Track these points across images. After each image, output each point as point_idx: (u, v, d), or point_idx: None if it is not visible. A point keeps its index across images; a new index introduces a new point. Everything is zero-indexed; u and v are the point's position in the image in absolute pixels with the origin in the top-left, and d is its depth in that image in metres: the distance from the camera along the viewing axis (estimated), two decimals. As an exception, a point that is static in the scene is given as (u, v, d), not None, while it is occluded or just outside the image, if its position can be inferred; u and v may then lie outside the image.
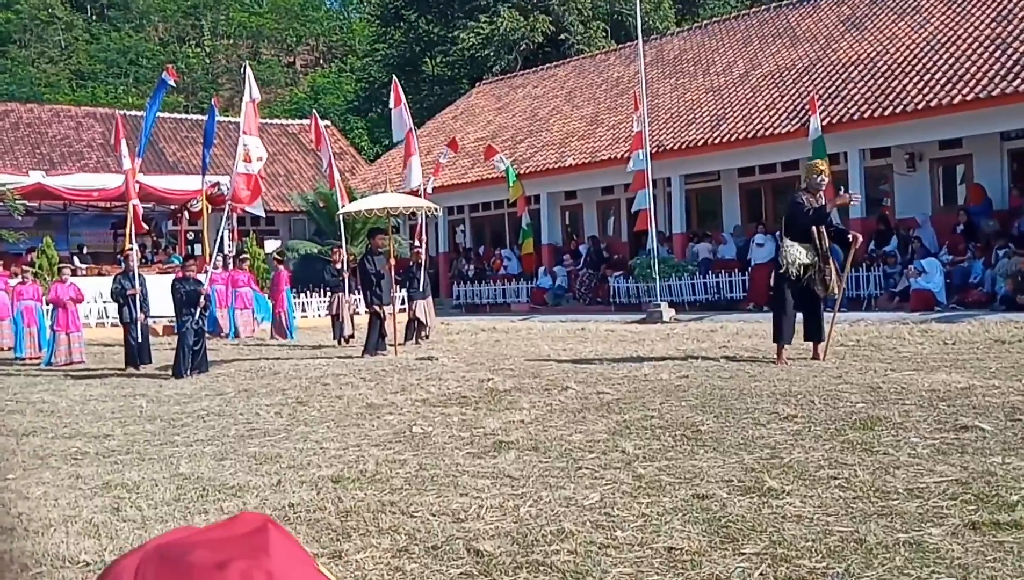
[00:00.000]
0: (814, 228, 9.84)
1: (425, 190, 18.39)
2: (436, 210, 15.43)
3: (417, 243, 17.38)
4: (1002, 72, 17.17)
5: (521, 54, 40.07)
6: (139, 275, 14.07)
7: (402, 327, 15.34)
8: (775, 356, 10.11)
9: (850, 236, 10.18)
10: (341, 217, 16.86)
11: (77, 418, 8.85)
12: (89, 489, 5.70)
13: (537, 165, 25.22)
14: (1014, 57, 17.45)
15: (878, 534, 3.92)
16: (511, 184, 23.93)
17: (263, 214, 18.60)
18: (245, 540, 1.05)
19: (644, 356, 11.49)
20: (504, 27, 39.05)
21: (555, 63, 34.98)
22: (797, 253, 9.90)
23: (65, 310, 15.07)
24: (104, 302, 20.15)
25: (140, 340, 13.72)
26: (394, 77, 17.20)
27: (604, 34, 41.19)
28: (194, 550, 1.00)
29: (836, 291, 10.03)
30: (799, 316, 10.21)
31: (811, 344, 10.22)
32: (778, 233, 12.60)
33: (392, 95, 16.24)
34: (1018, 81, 16.59)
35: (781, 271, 10.02)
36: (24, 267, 18.50)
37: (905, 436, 5.82)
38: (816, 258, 9.87)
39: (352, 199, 20.37)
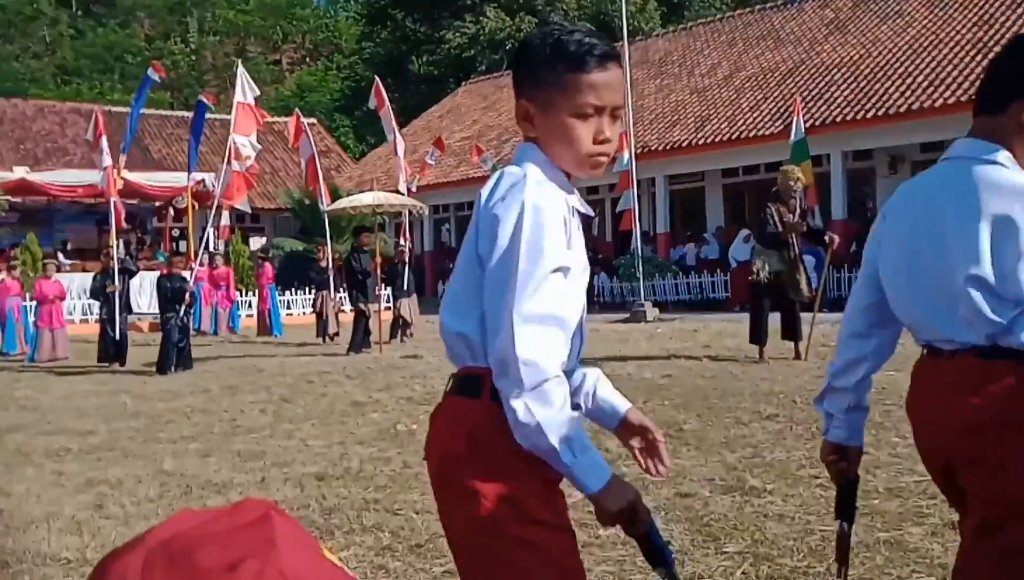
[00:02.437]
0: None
1: (410, 188, 18.39)
2: (422, 209, 15.43)
3: (402, 242, 17.38)
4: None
5: (507, 54, 40.06)
6: (119, 272, 13.93)
7: (387, 326, 15.34)
8: (757, 356, 10.21)
9: (827, 238, 10.27)
10: (327, 215, 16.86)
11: (60, 414, 8.81)
12: (72, 486, 5.68)
13: (523, 165, 25.23)
14: (996, 61, 17.60)
15: (859, 533, 3.94)
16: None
17: (248, 210, 18.58)
18: (251, 531, 1.03)
19: (627, 355, 11.53)
20: (489, 27, 39.06)
21: (541, 63, 34.93)
22: (767, 260, 10.13)
23: (49, 306, 14.99)
24: (88, 300, 20.07)
25: (118, 338, 13.62)
26: (376, 79, 17.12)
27: (590, 34, 41.19)
28: (202, 548, 0.98)
29: (807, 296, 10.17)
30: (776, 316, 10.38)
31: (792, 344, 10.33)
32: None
33: (375, 98, 16.15)
34: (1000, 85, 16.73)
35: (750, 278, 10.26)
36: (11, 262, 18.39)
37: (885, 436, 5.87)
38: (784, 266, 10.02)
39: (336, 197, 20.33)
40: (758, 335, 10.26)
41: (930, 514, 4.18)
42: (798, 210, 10.15)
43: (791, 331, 10.24)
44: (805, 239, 10.52)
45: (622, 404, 2.03)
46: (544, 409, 1.65)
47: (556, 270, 1.70)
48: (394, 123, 16.18)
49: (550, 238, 1.69)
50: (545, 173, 1.79)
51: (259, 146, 14.23)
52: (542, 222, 1.69)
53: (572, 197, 1.84)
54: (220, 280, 20.29)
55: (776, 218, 9.98)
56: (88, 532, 4.62)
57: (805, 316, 10.36)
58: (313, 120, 35.81)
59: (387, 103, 16.03)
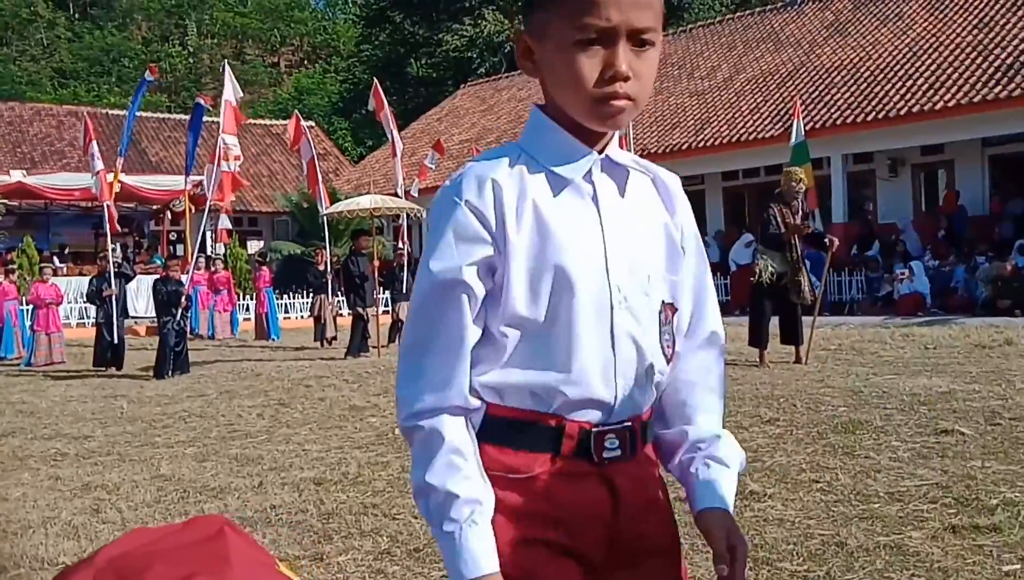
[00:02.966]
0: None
1: (408, 192, 18.39)
2: (420, 212, 15.41)
3: (401, 245, 17.37)
4: (983, 78, 17.31)
5: (506, 56, 40.09)
6: (116, 275, 13.88)
7: (385, 329, 15.31)
8: (757, 360, 10.18)
9: (827, 240, 10.24)
10: (325, 218, 16.85)
11: (57, 419, 8.79)
12: (69, 490, 5.66)
13: (521, 167, 25.20)
14: (995, 64, 17.59)
15: (859, 537, 3.94)
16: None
17: (231, 210, 18.73)
18: (204, 548, 0.99)
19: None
20: (488, 29, 39.09)
21: (540, 66, 34.95)
22: (770, 261, 10.08)
23: (45, 310, 14.96)
24: (84, 303, 20.05)
25: (116, 342, 13.58)
26: (375, 82, 17.11)
27: (589, 37, 41.22)
28: (152, 566, 0.93)
29: (808, 299, 10.13)
30: (774, 320, 10.34)
31: (792, 348, 10.29)
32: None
33: (374, 101, 16.11)
34: (999, 88, 16.73)
35: (753, 279, 10.19)
36: (8, 266, 18.36)
37: (886, 440, 5.85)
38: (787, 267, 9.99)
39: (334, 201, 20.32)
40: (758, 338, 10.21)
41: (930, 518, 4.16)
42: (800, 212, 10.13)
43: (792, 335, 10.20)
44: (806, 242, 10.49)
45: (705, 501, 1.47)
46: (414, 467, 1.33)
47: (445, 284, 1.32)
48: (393, 126, 16.17)
49: (439, 245, 1.33)
50: (528, 141, 1.40)
51: (237, 145, 14.23)
52: (435, 226, 1.35)
53: (569, 166, 1.37)
54: (220, 284, 20.26)
55: (779, 219, 9.95)
56: (85, 537, 4.60)
57: (805, 319, 10.34)
58: (311, 123, 35.78)
59: (386, 106, 16.01)
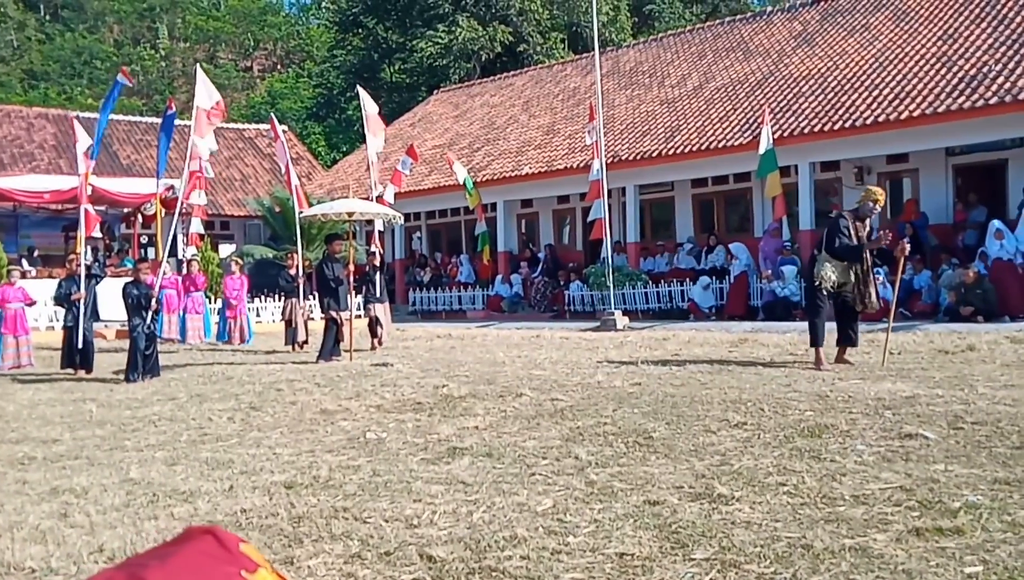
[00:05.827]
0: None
1: (381, 197, 18.37)
2: (398, 218, 15.41)
3: (373, 249, 17.35)
4: (947, 89, 17.56)
5: (479, 63, 40.17)
6: (86, 277, 13.77)
7: (358, 333, 15.28)
8: (813, 361, 10.26)
9: (882, 238, 10.40)
10: (299, 221, 16.83)
11: (25, 422, 8.71)
12: (36, 494, 5.62)
13: (494, 173, 25.27)
14: (959, 75, 17.85)
15: (825, 540, 4.00)
16: (469, 192, 23.97)
17: (204, 202, 18.75)
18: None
19: (597, 363, 11.56)
20: (462, 36, 39.15)
21: (513, 72, 35.12)
22: (830, 271, 10.21)
23: (13, 313, 14.81)
24: (55, 306, 19.81)
25: (82, 346, 13.45)
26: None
27: (562, 45, 41.44)
28: None
29: (876, 307, 10.37)
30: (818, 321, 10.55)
31: (834, 348, 10.51)
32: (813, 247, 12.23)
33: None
34: (963, 98, 16.98)
35: (816, 284, 10.29)
36: None
37: (851, 443, 5.93)
38: (852, 277, 10.15)
39: (309, 205, 20.26)
40: (816, 338, 10.30)
41: (894, 521, 4.23)
42: (869, 228, 10.35)
43: (848, 338, 10.42)
44: (876, 256, 10.63)
45: None
46: None
47: None
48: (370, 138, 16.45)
49: None
50: None
51: (215, 146, 14.29)
52: None
53: None
54: (193, 286, 20.04)
55: (852, 232, 10.10)
56: (53, 541, 4.57)
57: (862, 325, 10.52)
58: (284, 127, 35.66)
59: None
